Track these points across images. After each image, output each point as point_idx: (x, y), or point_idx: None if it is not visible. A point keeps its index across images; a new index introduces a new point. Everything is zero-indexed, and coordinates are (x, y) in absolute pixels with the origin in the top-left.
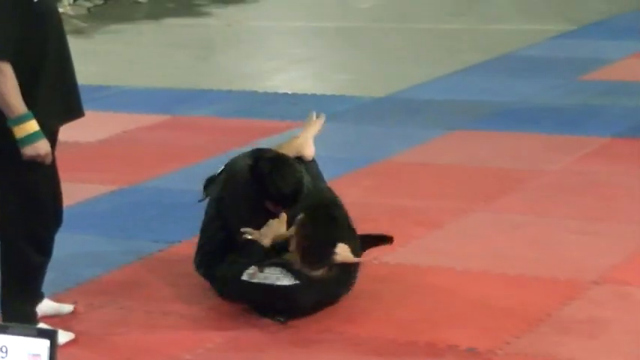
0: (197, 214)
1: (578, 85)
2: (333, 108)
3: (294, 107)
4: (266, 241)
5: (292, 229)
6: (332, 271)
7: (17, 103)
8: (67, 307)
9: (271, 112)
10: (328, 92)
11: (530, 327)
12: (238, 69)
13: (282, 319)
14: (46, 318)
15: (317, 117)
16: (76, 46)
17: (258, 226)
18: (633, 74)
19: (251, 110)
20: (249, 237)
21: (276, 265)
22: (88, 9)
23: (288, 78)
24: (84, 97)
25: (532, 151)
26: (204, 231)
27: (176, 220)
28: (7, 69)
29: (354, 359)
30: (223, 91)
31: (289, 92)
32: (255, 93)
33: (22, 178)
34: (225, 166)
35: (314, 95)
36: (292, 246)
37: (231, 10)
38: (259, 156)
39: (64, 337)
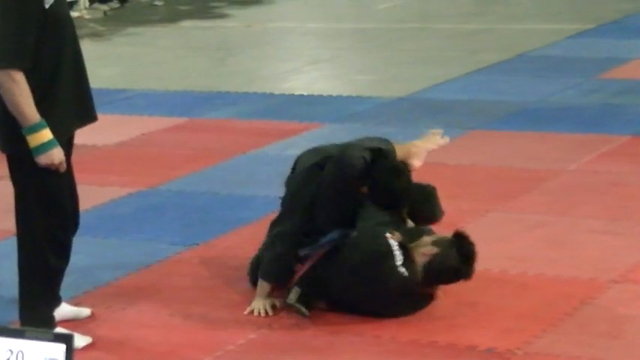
0: (216, 216)
1: (597, 83)
2: (352, 109)
3: (313, 108)
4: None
5: (428, 244)
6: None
7: (31, 112)
8: (86, 311)
9: (290, 114)
10: (347, 93)
11: (550, 327)
12: (256, 71)
13: (305, 313)
14: (65, 322)
15: (439, 134)
16: (93, 49)
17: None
18: None
19: (269, 112)
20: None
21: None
22: (105, 12)
23: (306, 79)
24: (102, 100)
25: (551, 150)
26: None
27: (195, 222)
28: (20, 78)
29: (376, 359)
30: (241, 93)
31: (307, 93)
32: (273, 95)
33: (41, 182)
34: (338, 150)
35: (332, 96)
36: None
37: (248, 12)
38: (379, 154)
39: (82, 341)
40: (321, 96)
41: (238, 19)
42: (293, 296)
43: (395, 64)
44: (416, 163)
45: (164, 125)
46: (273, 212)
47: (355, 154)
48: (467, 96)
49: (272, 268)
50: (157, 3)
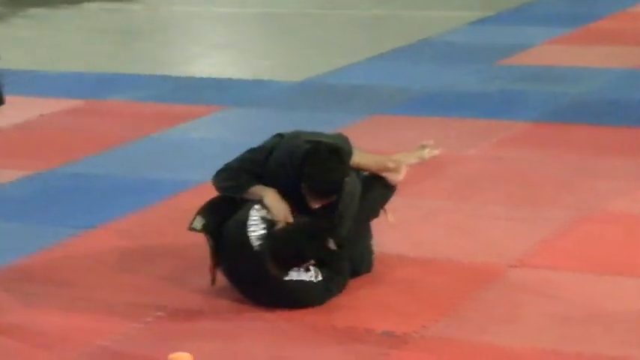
0: (117, 199)
1: (498, 70)
2: (255, 93)
3: (216, 92)
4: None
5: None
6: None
7: None
8: None
9: (192, 98)
10: (251, 77)
11: (448, 311)
12: (160, 54)
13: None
14: None
15: (430, 149)
16: None
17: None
18: (551, 59)
19: (173, 95)
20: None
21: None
22: None
23: (210, 63)
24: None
25: (452, 136)
26: None
27: (95, 205)
28: None
29: (274, 344)
30: (144, 76)
31: (211, 77)
32: (177, 78)
33: None
34: (285, 137)
35: (236, 80)
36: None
37: None
38: (320, 143)
39: None
40: (225, 80)
41: (144, 2)
42: (198, 223)
43: (298, 49)
44: (394, 177)
45: (65, 107)
46: (174, 196)
47: (300, 144)
48: (369, 81)
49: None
50: None
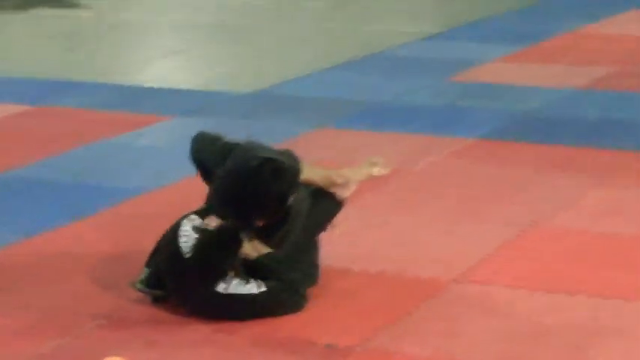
0: (59, 205)
1: (447, 85)
2: (203, 102)
3: (164, 101)
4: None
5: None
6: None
7: None
8: None
9: (140, 106)
10: (198, 86)
11: (390, 324)
12: (108, 61)
13: (158, 294)
14: None
15: (379, 166)
16: None
17: None
18: (499, 77)
19: (119, 103)
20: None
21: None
22: None
23: (158, 71)
24: None
25: (398, 150)
26: None
27: (36, 211)
28: None
29: (211, 355)
30: (91, 83)
31: (159, 86)
32: (123, 86)
33: None
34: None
35: (184, 89)
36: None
37: (103, 2)
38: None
39: None
40: (172, 88)
41: (93, 8)
42: (143, 278)
43: (248, 58)
44: (341, 192)
45: (7, 112)
46: (120, 203)
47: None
48: (317, 93)
49: None
50: None
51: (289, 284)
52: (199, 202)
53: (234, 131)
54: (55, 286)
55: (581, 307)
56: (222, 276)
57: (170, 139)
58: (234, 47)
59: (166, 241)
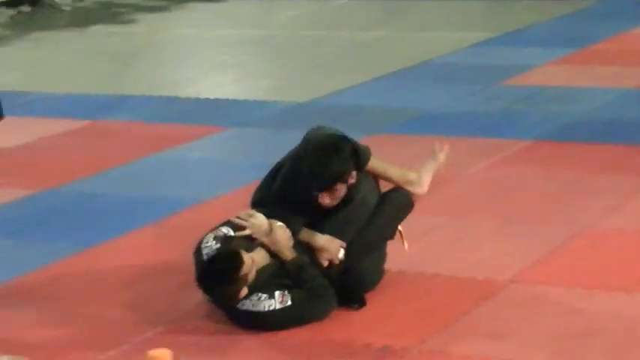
0: (115, 218)
1: (498, 90)
2: (254, 113)
3: (216, 113)
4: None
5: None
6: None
7: None
8: None
9: (192, 118)
10: (250, 98)
11: (446, 326)
12: (161, 76)
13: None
14: None
15: (441, 152)
16: None
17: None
18: (552, 80)
19: (172, 116)
20: None
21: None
22: (11, 17)
23: (210, 84)
24: (3, 103)
25: (452, 154)
26: None
27: (93, 224)
28: None
29: (267, 358)
30: (145, 97)
31: (211, 98)
32: (176, 99)
33: None
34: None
35: (235, 101)
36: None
37: (155, 18)
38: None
39: None
40: (224, 100)
41: (145, 24)
42: None
43: (300, 70)
44: (418, 189)
45: (65, 128)
46: (174, 214)
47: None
48: (368, 102)
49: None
50: (64, 8)
51: (313, 292)
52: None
53: (286, 141)
54: (113, 295)
55: (638, 306)
56: (227, 295)
57: (222, 150)
58: (284, 60)
59: (194, 256)
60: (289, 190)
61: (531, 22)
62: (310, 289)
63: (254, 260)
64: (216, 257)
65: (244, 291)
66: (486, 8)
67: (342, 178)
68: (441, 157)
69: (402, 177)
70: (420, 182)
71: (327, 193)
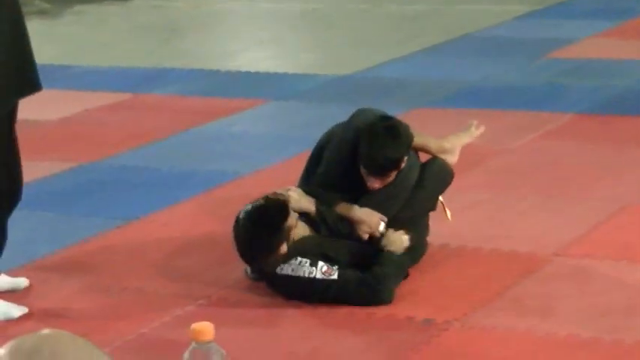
0: (156, 191)
1: (543, 63)
2: (297, 86)
3: (258, 86)
4: None
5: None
6: None
7: None
8: (24, 282)
9: (234, 91)
10: (292, 71)
11: (488, 300)
12: (202, 50)
13: None
14: (1, 293)
15: (476, 128)
16: (38, 27)
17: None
18: (597, 52)
19: (214, 89)
20: None
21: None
22: None
23: (252, 58)
24: (45, 76)
25: (496, 128)
26: None
27: (135, 197)
28: None
29: (312, 331)
30: (186, 70)
31: (253, 71)
32: (218, 72)
33: None
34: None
35: (278, 74)
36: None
37: None
38: (384, 118)
39: (17, 311)
40: (266, 74)
41: None
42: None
43: (340, 43)
44: (450, 159)
45: (107, 101)
46: (215, 188)
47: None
48: (411, 75)
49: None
50: None
51: (376, 279)
52: (293, 185)
53: (327, 115)
54: (154, 268)
55: None
56: (269, 248)
57: (265, 123)
58: (325, 33)
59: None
60: (335, 173)
61: None
62: (375, 275)
63: (297, 220)
64: (265, 205)
65: (284, 248)
66: None
67: (397, 165)
68: (476, 133)
69: (439, 147)
70: (454, 152)
71: (379, 178)
